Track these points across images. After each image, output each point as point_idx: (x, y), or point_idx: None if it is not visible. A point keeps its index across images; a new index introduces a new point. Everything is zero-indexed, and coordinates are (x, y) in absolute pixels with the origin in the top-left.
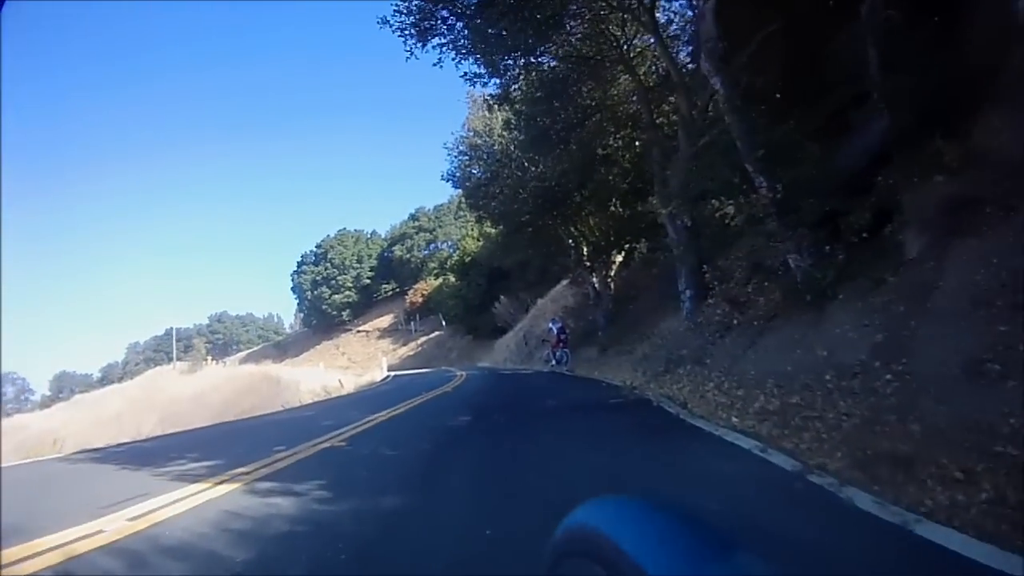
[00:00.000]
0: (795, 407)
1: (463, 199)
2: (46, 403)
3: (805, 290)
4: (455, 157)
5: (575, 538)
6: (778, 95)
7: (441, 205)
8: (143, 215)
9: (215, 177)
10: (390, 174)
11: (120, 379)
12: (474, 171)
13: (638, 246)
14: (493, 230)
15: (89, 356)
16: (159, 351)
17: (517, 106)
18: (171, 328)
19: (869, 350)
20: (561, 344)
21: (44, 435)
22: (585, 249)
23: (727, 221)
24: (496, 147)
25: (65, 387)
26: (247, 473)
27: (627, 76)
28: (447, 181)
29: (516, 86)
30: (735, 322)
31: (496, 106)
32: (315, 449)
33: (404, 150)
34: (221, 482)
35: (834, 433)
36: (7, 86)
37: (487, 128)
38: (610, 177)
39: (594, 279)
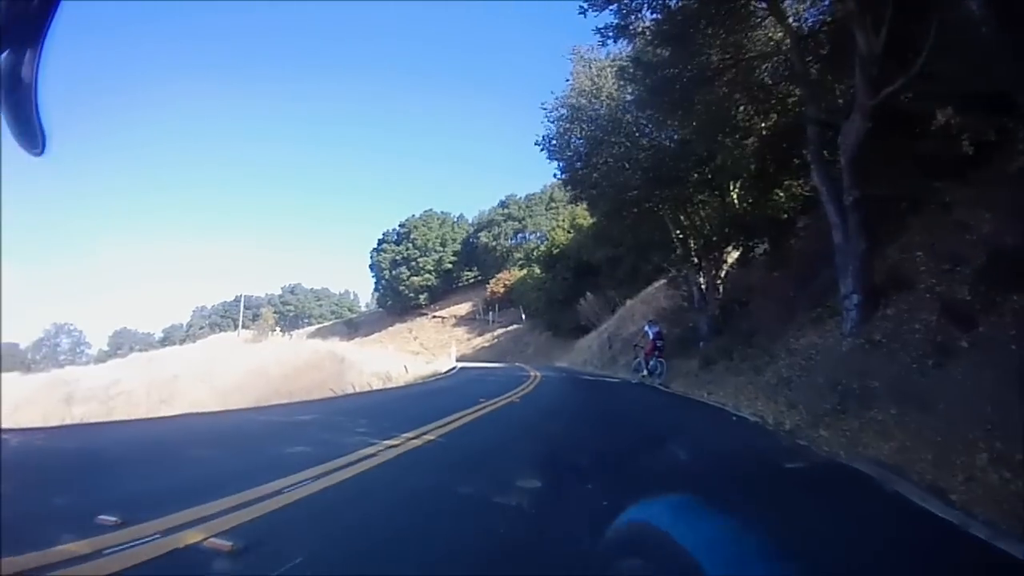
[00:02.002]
0: None
1: (557, 173)
2: (102, 358)
3: None
4: (554, 122)
5: (630, 534)
6: None
7: (533, 194)
8: (225, 177)
9: (303, 142)
10: (484, 158)
11: (182, 341)
12: (575, 138)
13: (758, 244)
14: (585, 222)
15: (153, 315)
16: (226, 316)
17: (637, 44)
18: (240, 295)
19: None
20: (656, 352)
21: (94, 391)
22: (693, 243)
23: None
24: (603, 110)
25: (124, 344)
26: None
27: (771, 23)
28: (542, 149)
29: (637, 18)
30: (963, 344)
31: (611, 40)
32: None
33: (502, 135)
34: None
35: None
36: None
37: (595, 88)
38: (737, 151)
39: (700, 279)
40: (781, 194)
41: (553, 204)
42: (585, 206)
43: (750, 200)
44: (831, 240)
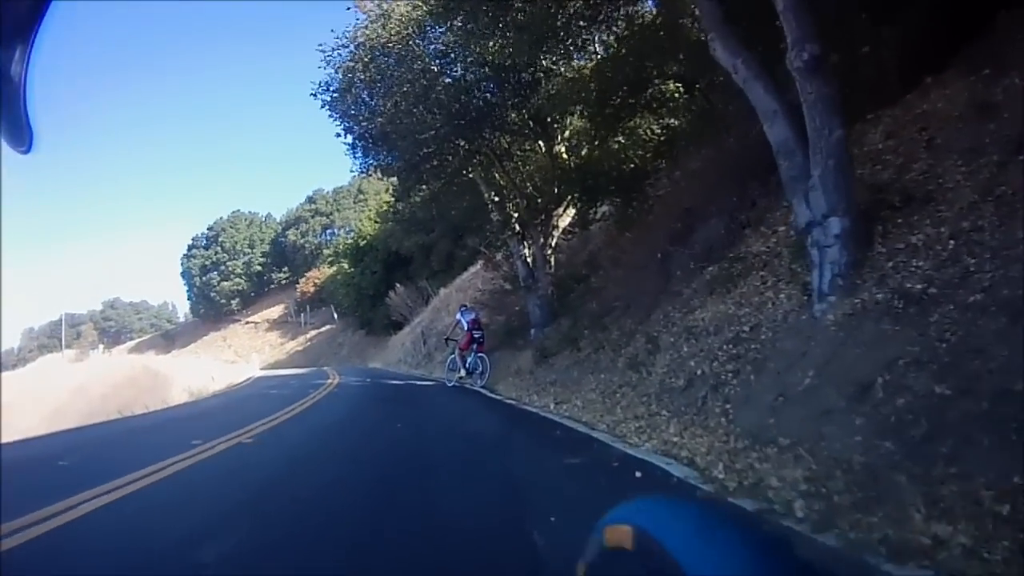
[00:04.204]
0: None
1: (340, 133)
2: None
3: None
4: (333, 66)
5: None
6: None
7: (341, 187)
8: (40, 196)
9: (112, 156)
10: (289, 154)
11: (14, 366)
12: (359, 78)
13: (599, 202)
14: (389, 206)
15: None
16: (53, 337)
17: None
18: (62, 313)
19: None
20: (475, 346)
21: None
22: (512, 206)
23: None
24: (395, 39)
25: None
26: None
27: None
28: (322, 106)
29: None
30: None
31: None
32: None
33: (304, 128)
34: None
35: None
36: None
37: (383, 14)
38: (570, 74)
39: (526, 251)
40: (621, 140)
41: (362, 196)
42: (379, 175)
43: (584, 148)
44: (710, 177)
